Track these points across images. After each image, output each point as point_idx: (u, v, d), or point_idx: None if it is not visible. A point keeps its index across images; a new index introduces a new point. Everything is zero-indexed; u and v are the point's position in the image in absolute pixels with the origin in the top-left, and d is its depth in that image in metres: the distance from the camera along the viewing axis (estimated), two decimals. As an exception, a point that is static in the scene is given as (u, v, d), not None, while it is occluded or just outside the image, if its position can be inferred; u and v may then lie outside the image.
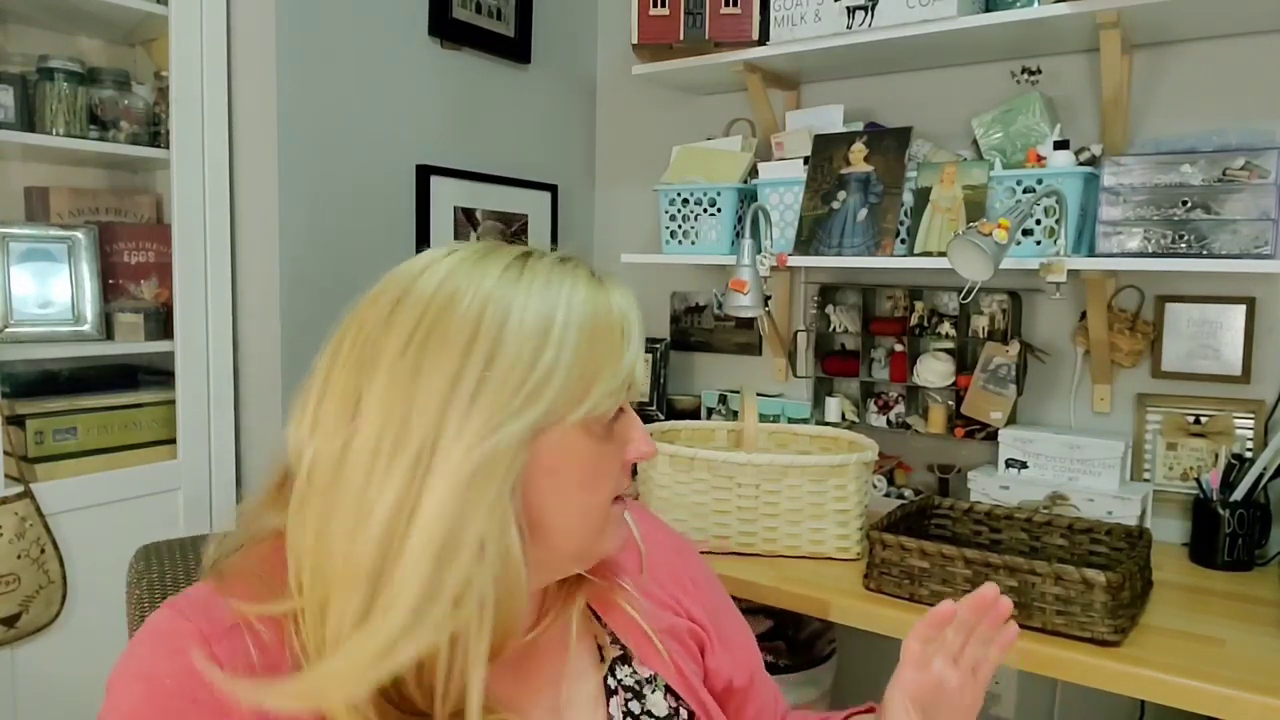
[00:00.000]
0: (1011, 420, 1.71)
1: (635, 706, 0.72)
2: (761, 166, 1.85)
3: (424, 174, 1.96)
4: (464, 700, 0.57)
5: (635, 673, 0.73)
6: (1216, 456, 1.58)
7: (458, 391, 0.57)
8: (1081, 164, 1.54)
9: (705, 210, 1.88)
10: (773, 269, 1.77)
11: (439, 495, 0.55)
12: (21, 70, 1.57)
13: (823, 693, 1.81)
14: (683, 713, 0.74)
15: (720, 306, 2.19)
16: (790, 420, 1.98)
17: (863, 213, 1.70)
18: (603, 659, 0.73)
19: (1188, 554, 1.55)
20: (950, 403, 1.83)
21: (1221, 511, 1.48)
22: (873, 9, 1.65)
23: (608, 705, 0.71)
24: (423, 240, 1.96)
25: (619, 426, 0.66)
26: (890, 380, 1.90)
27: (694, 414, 2.15)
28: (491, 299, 0.60)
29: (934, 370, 1.81)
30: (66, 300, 1.60)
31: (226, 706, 0.55)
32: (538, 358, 0.59)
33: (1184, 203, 1.42)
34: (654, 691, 0.73)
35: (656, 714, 0.72)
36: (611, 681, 0.72)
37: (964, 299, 1.64)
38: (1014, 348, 1.72)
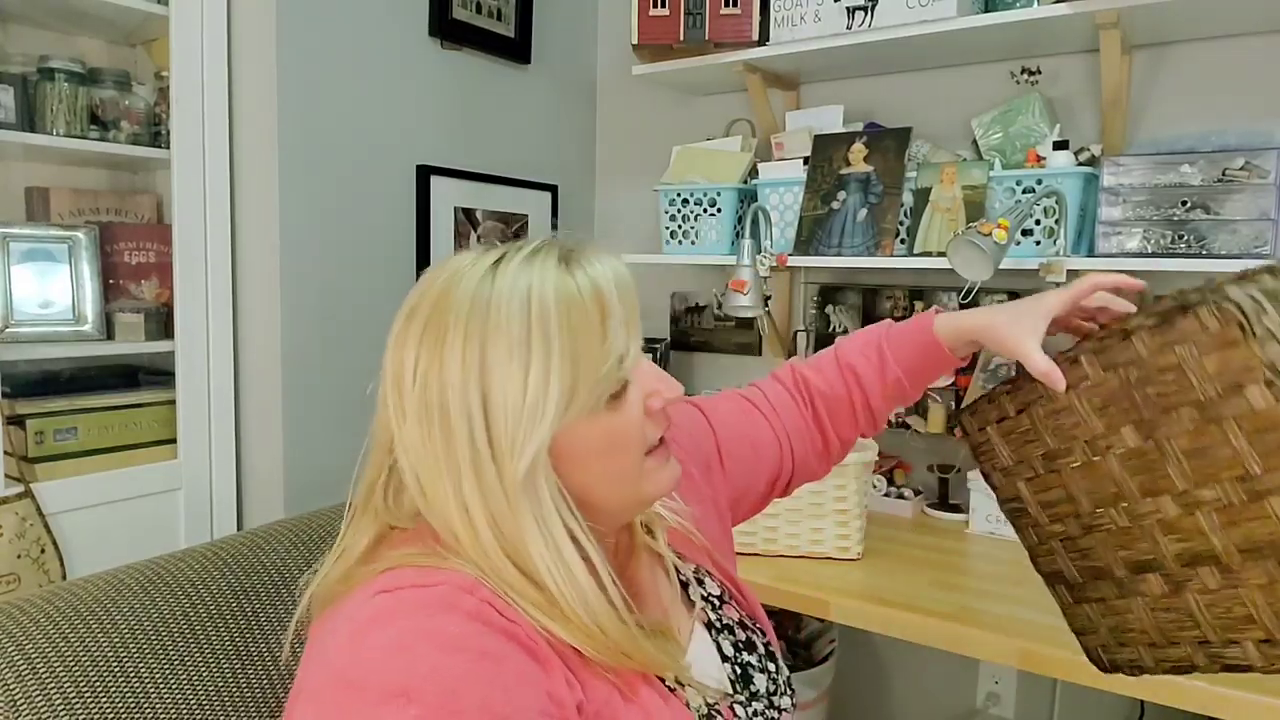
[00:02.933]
0: (1011, 420, 1.71)
1: (703, 591, 0.80)
2: (761, 167, 1.85)
3: (424, 174, 1.96)
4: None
5: (689, 565, 0.81)
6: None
7: (468, 464, 0.61)
8: (1081, 164, 1.54)
9: (705, 210, 1.88)
10: (773, 269, 1.77)
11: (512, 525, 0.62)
12: (22, 70, 1.57)
13: (822, 693, 1.81)
14: (726, 592, 0.83)
15: (720, 306, 2.19)
16: (790, 420, 1.98)
17: (862, 213, 1.71)
18: (662, 560, 0.80)
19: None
20: (950, 403, 1.83)
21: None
22: (872, 9, 1.65)
23: (686, 593, 0.79)
24: (423, 240, 1.96)
25: (629, 387, 0.66)
26: (890, 380, 1.90)
27: (694, 414, 2.15)
28: (469, 340, 0.61)
29: (934, 370, 1.80)
30: (67, 300, 1.60)
31: (522, 636, 0.59)
32: (522, 405, 0.61)
33: (1183, 203, 1.42)
34: (706, 576, 0.82)
35: (714, 595, 0.81)
36: (682, 575, 0.79)
37: (964, 299, 1.64)
38: (1014, 348, 1.72)
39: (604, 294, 0.63)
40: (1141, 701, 1.57)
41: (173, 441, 1.67)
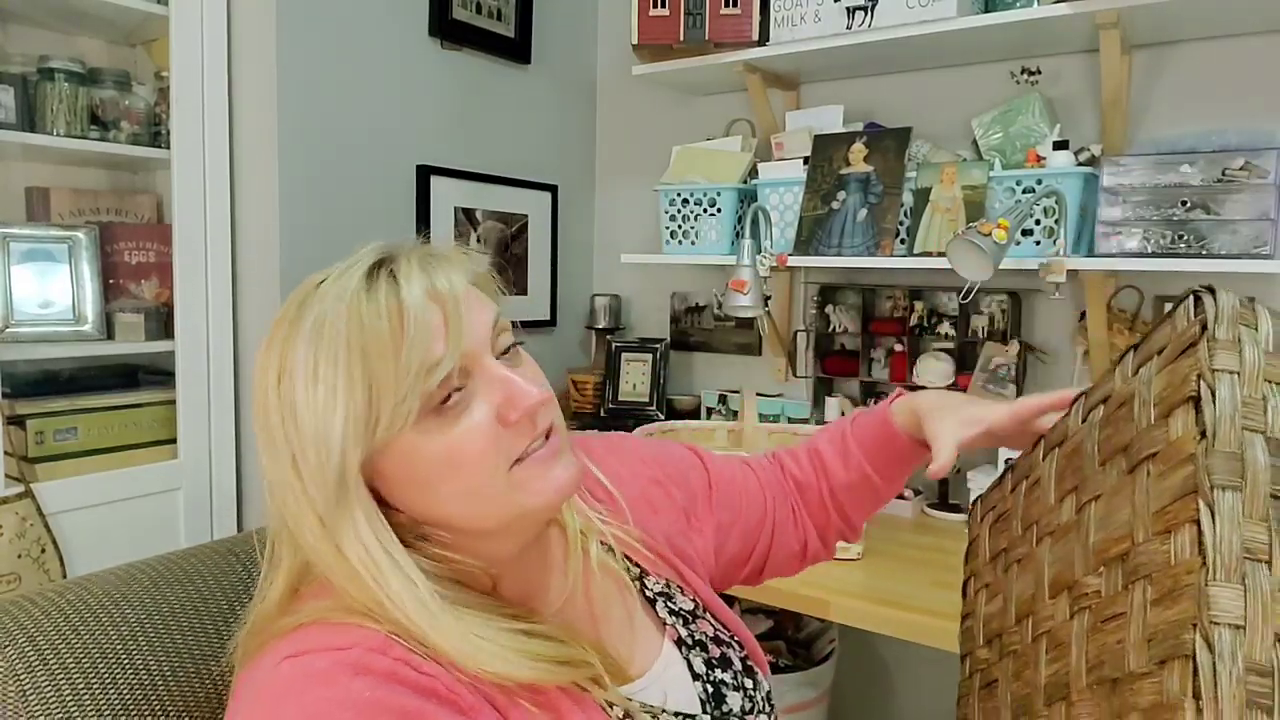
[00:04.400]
0: (1011, 420, 1.71)
1: (673, 605, 0.78)
2: (761, 166, 1.85)
3: (424, 174, 1.96)
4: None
5: (657, 581, 0.79)
6: (1216, 456, 1.58)
7: (303, 497, 0.60)
8: (1081, 164, 1.54)
9: (705, 210, 1.88)
10: (773, 269, 1.77)
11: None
12: (22, 70, 1.57)
13: (822, 692, 1.81)
14: (699, 605, 0.80)
15: (720, 306, 2.19)
16: (790, 420, 1.98)
17: (862, 213, 1.71)
18: (631, 577, 0.78)
19: (1187, 554, 1.55)
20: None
21: (1221, 511, 1.48)
22: (872, 9, 1.65)
23: (655, 610, 0.77)
24: (423, 240, 1.96)
25: (472, 399, 0.61)
26: (890, 380, 1.90)
27: (694, 414, 2.15)
28: (280, 369, 0.61)
29: (934, 370, 1.81)
30: (67, 300, 1.60)
31: (441, 690, 0.57)
32: (324, 433, 0.58)
33: (1183, 203, 1.42)
34: (677, 592, 0.79)
35: (686, 610, 0.78)
36: (648, 592, 0.77)
37: (964, 299, 1.64)
38: (1013, 348, 1.72)
39: (405, 307, 0.59)
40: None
41: (173, 441, 1.67)
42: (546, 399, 0.64)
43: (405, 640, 0.58)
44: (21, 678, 0.64)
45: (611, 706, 0.65)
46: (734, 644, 0.79)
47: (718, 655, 0.76)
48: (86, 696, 0.66)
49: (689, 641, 0.75)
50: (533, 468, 0.63)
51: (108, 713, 0.67)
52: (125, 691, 0.69)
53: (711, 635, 0.78)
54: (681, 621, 0.77)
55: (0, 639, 0.66)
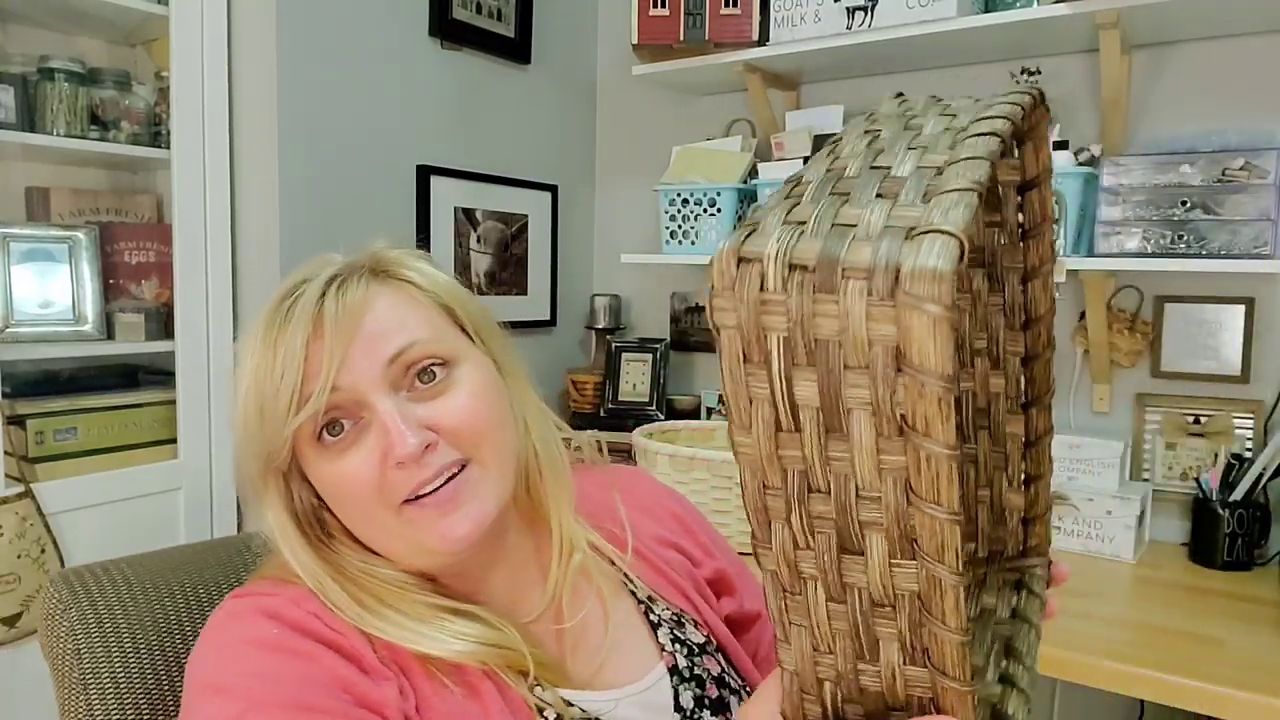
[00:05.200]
0: (1011, 420, 1.71)
1: (679, 634, 0.76)
2: (761, 166, 1.85)
3: (424, 174, 1.96)
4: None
5: (668, 607, 0.77)
6: (1216, 456, 1.58)
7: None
8: (1081, 164, 1.54)
9: (705, 210, 1.88)
10: (773, 269, 1.77)
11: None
12: (22, 70, 1.57)
13: (822, 692, 1.81)
14: (712, 644, 0.78)
15: (720, 306, 2.19)
16: (790, 420, 1.98)
17: (862, 213, 1.71)
18: (638, 600, 0.76)
19: (1187, 554, 1.55)
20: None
21: (1221, 511, 1.48)
22: (872, 9, 1.65)
23: (656, 636, 0.75)
24: (423, 240, 1.96)
25: (363, 435, 0.63)
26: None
27: (694, 414, 2.15)
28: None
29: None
30: (67, 300, 1.60)
31: (346, 646, 0.61)
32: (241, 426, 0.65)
33: (1183, 203, 1.42)
34: (689, 623, 0.77)
35: (694, 642, 0.76)
36: (653, 617, 0.76)
37: (964, 299, 1.64)
38: (1014, 348, 1.72)
39: (285, 340, 0.63)
40: (1141, 701, 1.57)
41: (173, 441, 1.67)
42: (432, 444, 0.62)
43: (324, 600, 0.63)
44: (79, 638, 0.71)
45: (544, 707, 0.64)
46: (743, 692, 0.76)
47: (714, 696, 0.73)
48: (134, 659, 0.73)
49: (686, 674, 0.73)
50: (425, 511, 0.63)
51: (151, 675, 0.74)
52: (170, 657, 0.75)
53: (715, 675, 0.74)
54: (685, 652, 0.74)
55: (65, 603, 0.73)
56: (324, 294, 0.65)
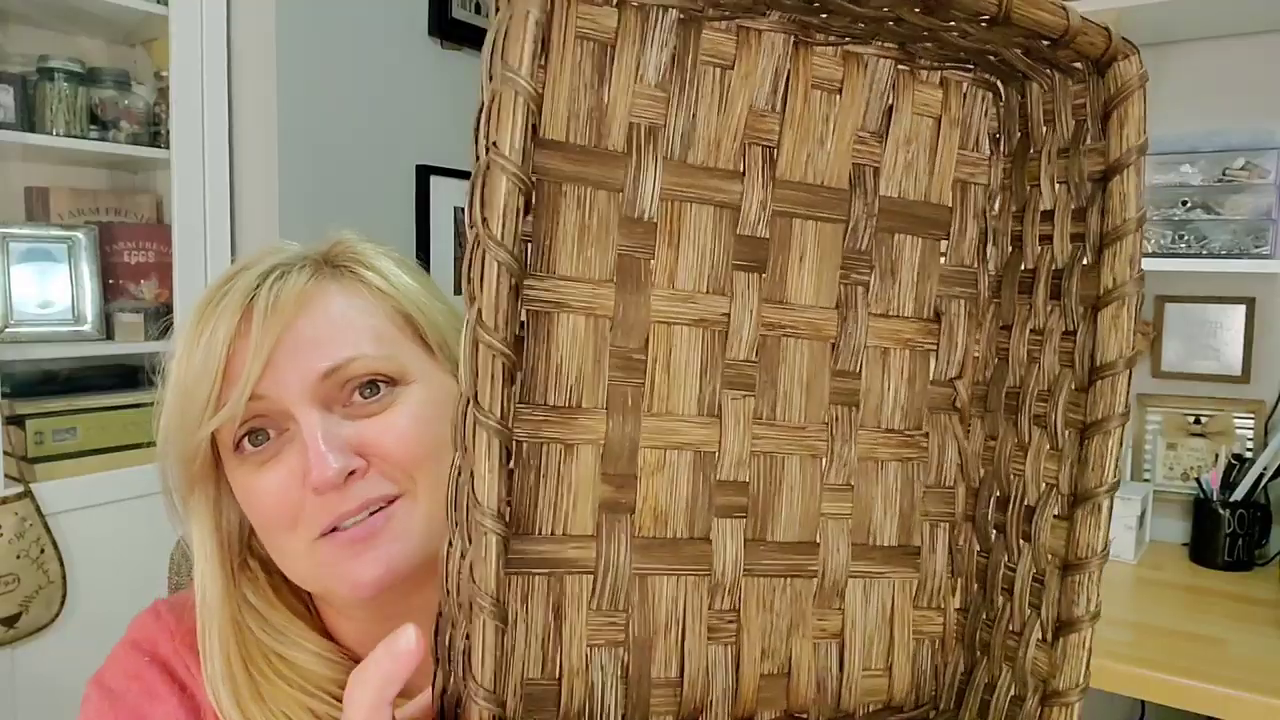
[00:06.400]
0: (1011, 420, 1.71)
1: None
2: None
3: (424, 174, 1.96)
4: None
5: None
6: (1216, 456, 1.58)
7: None
8: (1081, 164, 1.54)
9: (705, 210, 1.88)
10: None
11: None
12: (22, 70, 1.57)
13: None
14: None
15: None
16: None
17: (863, 213, 1.70)
18: None
19: (1188, 554, 1.55)
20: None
21: (1221, 511, 1.48)
22: (873, 9, 1.65)
23: None
24: (423, 240, 1.96)
25: (285, 449, 0.56)
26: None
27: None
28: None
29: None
30: (67, 300, 1.60)
31: (158, 693, 0.60)
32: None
33: (1184, 203, 1.42)
34: None
35: None
36: None
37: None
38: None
39: (218, 319, 0.55)
40: (1142, 702, 1.57)
41: (172, 441, 1.67)
42: (359, 469, 0.55)
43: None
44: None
45: None
46: None
47: None
48: None
49: None
50: (339, 548, 0.55)
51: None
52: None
53: None
54: None
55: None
56: (259, 285, 0.56)
